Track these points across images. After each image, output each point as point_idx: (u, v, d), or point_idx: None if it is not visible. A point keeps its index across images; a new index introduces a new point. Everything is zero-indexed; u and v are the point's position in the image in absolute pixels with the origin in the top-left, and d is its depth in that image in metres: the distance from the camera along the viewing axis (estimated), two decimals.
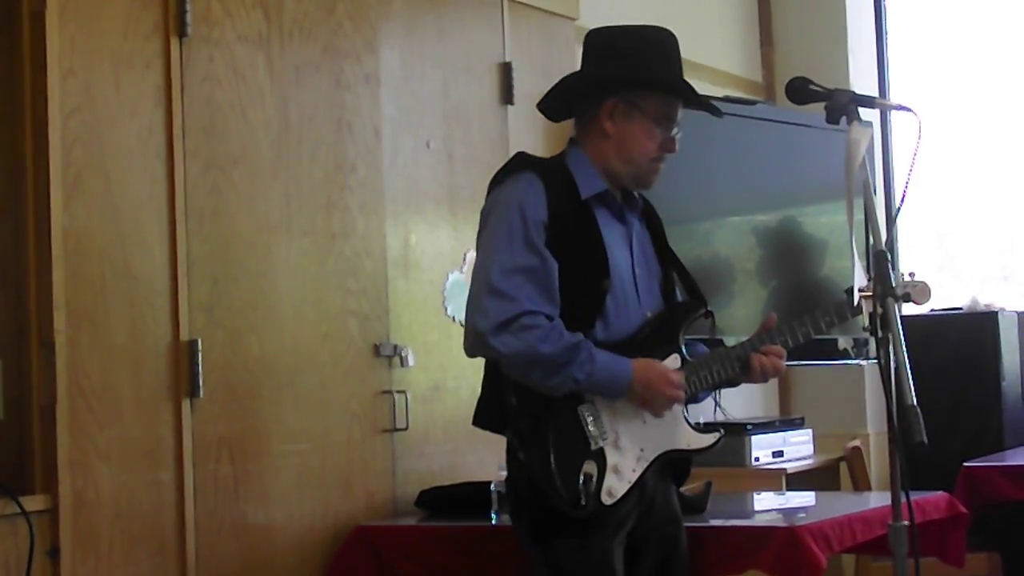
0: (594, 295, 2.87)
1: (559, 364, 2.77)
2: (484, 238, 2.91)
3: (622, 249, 2.95)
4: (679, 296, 3.07)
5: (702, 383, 2.92)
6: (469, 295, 2.86)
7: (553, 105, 3.06)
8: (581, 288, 2.86)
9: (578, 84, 2.99)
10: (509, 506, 2.96)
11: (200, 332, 3.35)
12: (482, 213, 2.96)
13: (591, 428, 2.83)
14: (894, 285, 2.50)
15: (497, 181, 2.96)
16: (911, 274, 2.97)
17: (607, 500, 2.81)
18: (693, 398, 2.99)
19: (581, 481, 2.78)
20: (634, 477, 2.85)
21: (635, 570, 2.93)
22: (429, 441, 3.98)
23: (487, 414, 2.96)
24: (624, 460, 2.84)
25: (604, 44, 2.99)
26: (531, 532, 2.86)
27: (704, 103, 2.98)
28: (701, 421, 3.02)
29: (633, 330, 2.92)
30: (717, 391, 3.03)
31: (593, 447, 2.82)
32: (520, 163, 2.96)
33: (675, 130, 2.95)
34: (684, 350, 2.94)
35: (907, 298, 2.93)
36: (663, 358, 2.91)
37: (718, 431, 2.95)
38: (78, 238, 3.10)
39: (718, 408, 3.07)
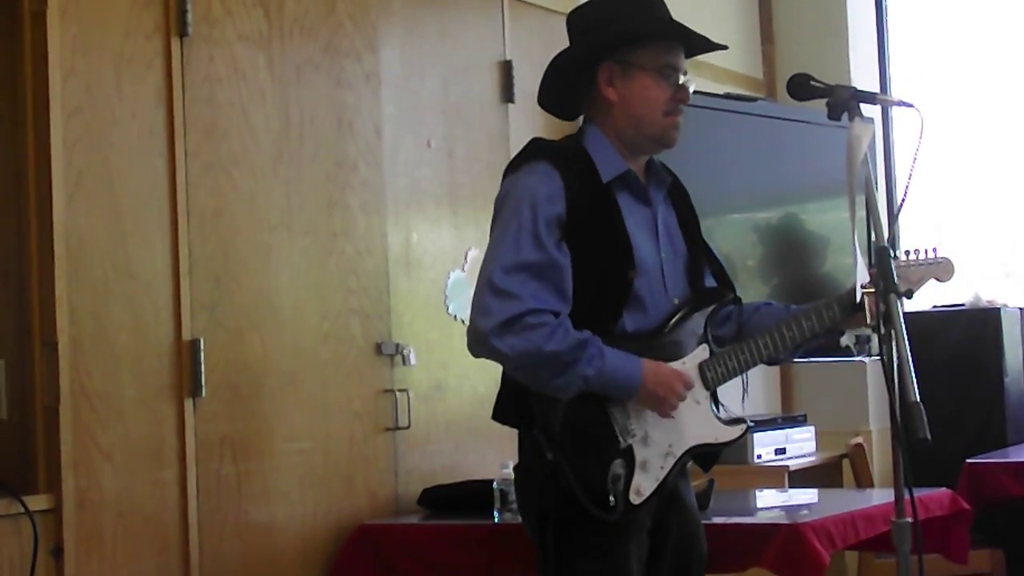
0: (620, 286, 2.77)
1: (566, 363, 2.67)
2: (492, 234, 2.82)
3: (647, 235, 2.84)
4: (706, 280, 2.96)
5: (729, 372, 2.84)
6: (474, 293, 2.77)
7: (553, 98, 2.95)
8: (607, 279, 2.77)
9: (568, 63, 2.88)
10: (528, 506, 2.82)
11: (202, 332, 3.35)
12: (495, 203, 2.86)
13: (619, 424, 2.74)
14: (897, 281, 2.49)
15: (512, 169, 2.85)
16: (934, 249, 2.88)
17: (635, 499, 2.72)
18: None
19: (610, 480, 2.70)
20: (662, 474, 2.76)
21: (656, 564, 2.84)
22: (431, 440, 3.98)
23: (508, 409, 2.85)
24: (652, 456, 2.75)
25: (580, 19, 2.90)
26: (556, 534, 2.74)
27: (703, 41, 2.88)
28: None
29: (661, 319, 2.83)
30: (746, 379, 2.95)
31: (622, 445, 2.73)
32: (536, 151, 2.84)
33: (683, 78, 2.84)
34: (711, 339, 2.86)
35: (925, 277, 2.88)
36: (693, 348, 2.83)
37: (743, 422, 2.87)
38: (80, 238, 3.10)
39: (744, 397, 2.97)
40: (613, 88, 2.83)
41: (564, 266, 2.74)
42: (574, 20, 2.93)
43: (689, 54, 2.90)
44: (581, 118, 2.97)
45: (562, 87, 2.92)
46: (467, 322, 2.80)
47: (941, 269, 2.90)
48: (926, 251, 2.88)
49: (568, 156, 2.82)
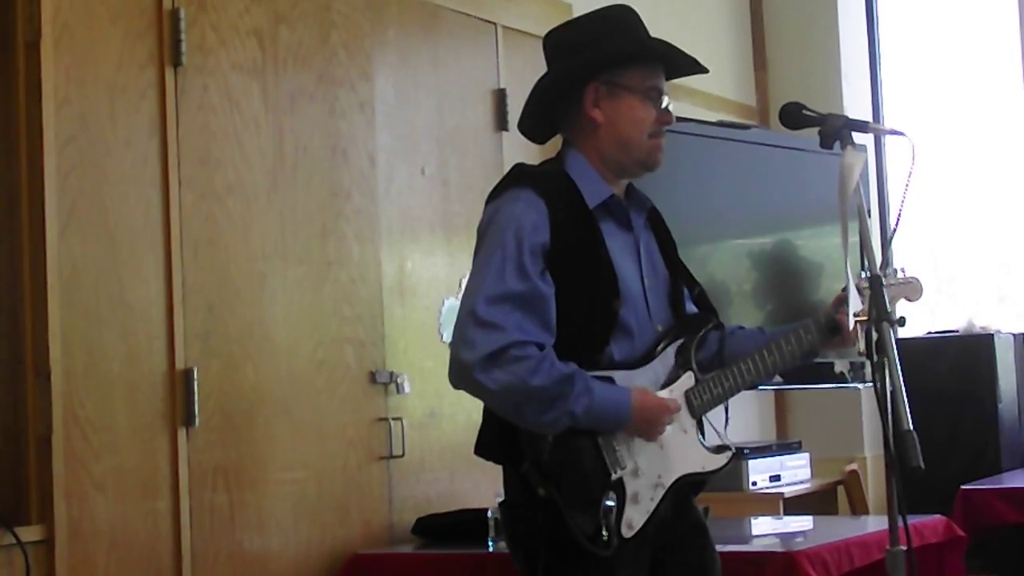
0: (606, 316, 2.73)
1: (551, 397, 2.61)
2: (475, 262, 2.76)
3: (630, 262, 2.81)
4: (687, 305, 2.92)
5: (715, 398, 2.81)
6: (455, 324, 2.70)
7: (534, 121, 2.90)
8: (592, 309, 2.73)
9: (552, 84, 2.84)
10: (518, 542, 2.76)
11: (196, 361, 3.34)
12: (478, 230, 2.80)
13: (609, 457, 2.70)
14: (890, 310, 2.49)
15: (494, 195, 2.78)
16: (902, 270, 2.87)
17: (627, 532, 2.68)
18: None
19: (602, 514, 2.65)
20: (652, 506, 2.72)
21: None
22: (425, 468, 3.98)
23: (491, 444, 2.79)
24: (643, 488, 2.72)
25: (563, 39, 2.87)
26: (547, 570, 2.68)
27: (688, 62, 2.85)
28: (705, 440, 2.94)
29: (647, 348, 2.80)
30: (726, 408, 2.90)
31: (613, 477, 2.69)
32: (519, 177, 2.78)
33: (665, 101, 2.82)
34: (696, 367, 2.83)
35: (900, 296, 2.88)
36: (679, 376, 2.80)
37: (729, 449, 2.83)
38: (73, 267, 3.10)
39: (726, 424, 2.95)
40: (599, 109, 2.79)
41: (548, 296, 2.69)
42: (553, 41, 2.89)
43: (669, 76, 2.88)
44: (561, 142, 2.92)
45: (543, 110, 2.88)
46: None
47: (911, 289, 2.89)
48: (895, 272, 2.89)
49: (552, 182, 2.77)
